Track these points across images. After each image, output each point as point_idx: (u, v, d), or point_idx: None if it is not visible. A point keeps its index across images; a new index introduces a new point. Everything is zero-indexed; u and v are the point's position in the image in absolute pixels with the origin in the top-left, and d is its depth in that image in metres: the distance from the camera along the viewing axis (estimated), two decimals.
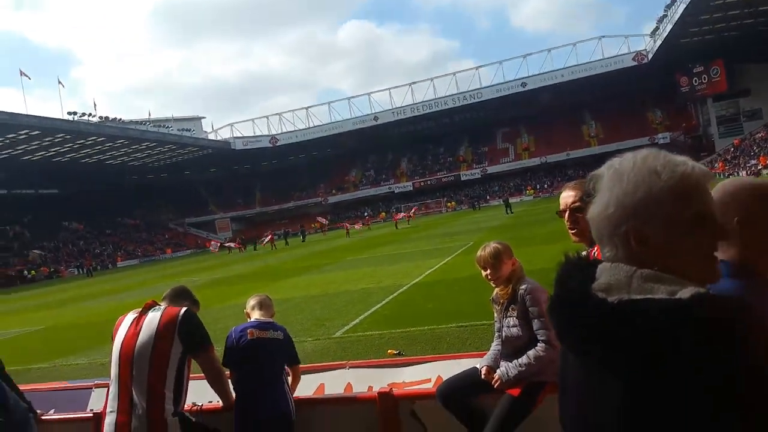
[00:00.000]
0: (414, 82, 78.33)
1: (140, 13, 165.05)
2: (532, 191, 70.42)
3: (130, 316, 3.12)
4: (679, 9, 47.30)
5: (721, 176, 48.41)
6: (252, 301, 3.52)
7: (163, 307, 3.13)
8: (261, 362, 3.20)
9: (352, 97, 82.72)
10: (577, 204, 2.58)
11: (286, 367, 3.39)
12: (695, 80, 61.09)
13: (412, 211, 57.70)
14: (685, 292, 0.95)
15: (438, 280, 12.88)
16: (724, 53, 56.68)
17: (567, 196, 2.69)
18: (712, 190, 1.18)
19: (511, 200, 69.12)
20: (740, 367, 0.87)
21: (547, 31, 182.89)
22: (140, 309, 3.14)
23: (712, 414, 0.88)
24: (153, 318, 3.04)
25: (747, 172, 43.32)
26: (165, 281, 25.88)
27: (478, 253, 3.08)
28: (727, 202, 1.52)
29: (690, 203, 1.03)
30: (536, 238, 18.93)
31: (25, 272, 53.32)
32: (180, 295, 3.35)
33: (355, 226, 52.36)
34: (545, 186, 71.40)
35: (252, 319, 3.39)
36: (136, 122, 67.13)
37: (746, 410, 0.87)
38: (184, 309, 3.10)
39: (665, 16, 53.52)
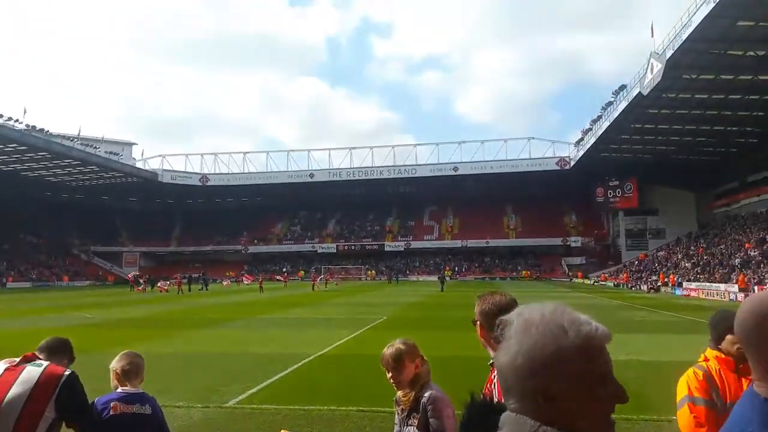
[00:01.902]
0: (354, 148, 79.69)
1: (96, 26, 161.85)
2: (449, 272, 71.86)
3: (1, 365, 2.84)
4: (603, 126, 51.19)
5: (625, 287, 51.26)
6: (120, 365, 3.18)
7: (44, 364, 2.87)
8: None
9: (292, 150, 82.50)
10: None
11: None
12: (610, 193, 65.70)
13: (331, 277, 57.85)
14: None
15: (346, 354, 12.73)
16: (638, 172, 61.45)
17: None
18: (743, 302, 1.19)
19: (428, 279, 70.69)
20: None
21: (485, 123, 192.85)
22: (16, 360, 2.87)
23: None
24: (31, 374, 2.78)
25: (647, 286, 46.05)
26: (55, 312, 24.32)
27: (383, 351, 3.00)
28: None
29: (594, 363, 1.03)
30: (447, 322, 19.16)
31: None
32: (59, 350, 3.10)
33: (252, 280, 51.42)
34: (463, 269, 73.22)
35: (119, 390, 3.12)
36: (63, 137, 64.12)
37: None
38: (68, 373, 2.87)
39: (590, 129, 57.64)
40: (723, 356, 2.92)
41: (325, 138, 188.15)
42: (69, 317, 22.06)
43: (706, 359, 2.99)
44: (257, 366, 11.29)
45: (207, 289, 48.07)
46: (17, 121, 54.75)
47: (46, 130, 59.36)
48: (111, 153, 69.88)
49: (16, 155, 58.51)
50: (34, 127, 57.03)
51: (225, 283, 54.75)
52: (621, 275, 56.48)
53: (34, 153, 58.06)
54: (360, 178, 76.76)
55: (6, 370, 2.81)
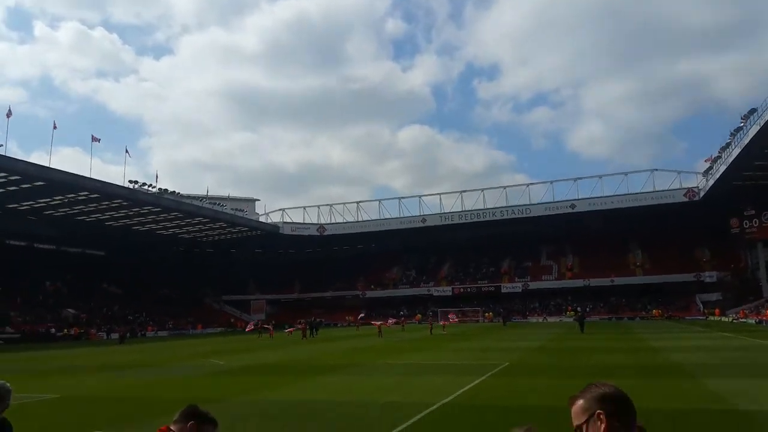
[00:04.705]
0: (464, 191, 79.66)
1: (215, 94, 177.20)
2: (572, 313, 68.65)
3: None
4: (734, 152, 47.61)
5: (766, 323, 46.40)
6: None
7: None
8: None
9: (403, 197, 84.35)
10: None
11: None
12: (746, 223, 60.40)
13: (450, 318, 57.32)
14: None
15: (468, 405, 12.42)
16: None
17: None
18: None
19: (550, 319, 68.02)
20: None
21: (602, 157, 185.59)
22: None
23: None
24: None
25: None
26: (192, 361, 25.89)
27: None
28: None
29: None
30: (583, 370, 18.20)
31: (54, 330, 53.86)
32: (191, 417, 3.01)
33: (387, 324, 51.35)
34: (588, 309, 69.70)
35: None
36: (193, 197, 69.70)
37: None
38: None
39: (719, 157, 53.79)
40: None
41: (436, 182, 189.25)
42: (203, 365, 23.40)
43: None
44: (383, 415, 11.33)
45: (316, 335, 47.27)
46: (150, 186, 60.27)
47: (177, 192, 64.81)
48: (237, 210, 74.88)
49: (151, 216, 64.12)
50: (166, 190, 62.54)
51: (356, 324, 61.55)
52: (763, 311, 51.24)
53: (167, 213, 63.36)
54: (472, 220, 76.29)
55: None
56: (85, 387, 17.22)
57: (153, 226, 68.80)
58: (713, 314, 59.99)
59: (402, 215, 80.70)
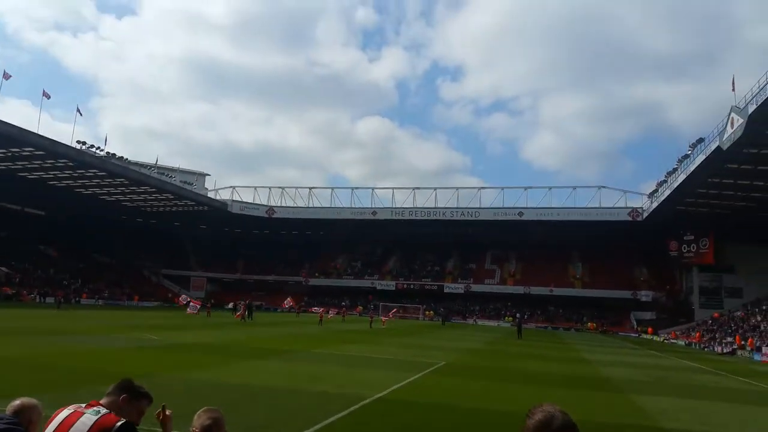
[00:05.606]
0: (417, 188, 79.82)
1: (176, 61, 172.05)
2: (510, 319, 70.13)
3: (66, 412, 2.80)
4: (679, 178, 49.30)
5: (697, 346, 48.54)
6: (200, 422, 2.87)
7: (101, 413, 2.77)
8: None
9: (356, 188, 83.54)
10: None
11: None
12: (684, 247, 62.78)
13: (391, 313, 57.57)
14: None
15: (403, 401, 12.43)
16: (715, 228, 58.51)
17: None
18: None
19: (488, 324, 69.24)
20: None
21: (553, 169, 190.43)
22: (81, 406, 2.83)
23: None
24: (84, 423, 2.71)
25: (721, 348, 43.39)
26: (127, 333, 25.15)
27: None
28: None
29: None
30: (517, 375, 18.58)
31: None
32: (124, 390, 2.97)
33: (329, 315, 51.74)
34: (525, 316, 71.26)
35: None
36: (141, 165, 67.57)
37: None
38: (119, 424, 2.72)
39: (665, 181, 55.70)
40: None
41: (390, 176, 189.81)
42: (137, 339, 22.73)
43: None
44: (314, 405, 11.20)
45: (251, 318, 44.93)
46: (98, 148, 58.23)
47: (125, 158, 62.77)
48: (185, 182, 72.96)
49: (96, 180, 61.63)
50: (113, 154, 60.49)
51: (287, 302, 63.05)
52: (693, 334, 53.58)
53: (112, 179, 61.04)
54: (422, 218, 76.59)
55: (70, 414, 2.78)
56: (11, 350, 16.48)
57: (97, 190, 66.33)
58: (646, 332, 62.14)
59: (353, 206, 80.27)
